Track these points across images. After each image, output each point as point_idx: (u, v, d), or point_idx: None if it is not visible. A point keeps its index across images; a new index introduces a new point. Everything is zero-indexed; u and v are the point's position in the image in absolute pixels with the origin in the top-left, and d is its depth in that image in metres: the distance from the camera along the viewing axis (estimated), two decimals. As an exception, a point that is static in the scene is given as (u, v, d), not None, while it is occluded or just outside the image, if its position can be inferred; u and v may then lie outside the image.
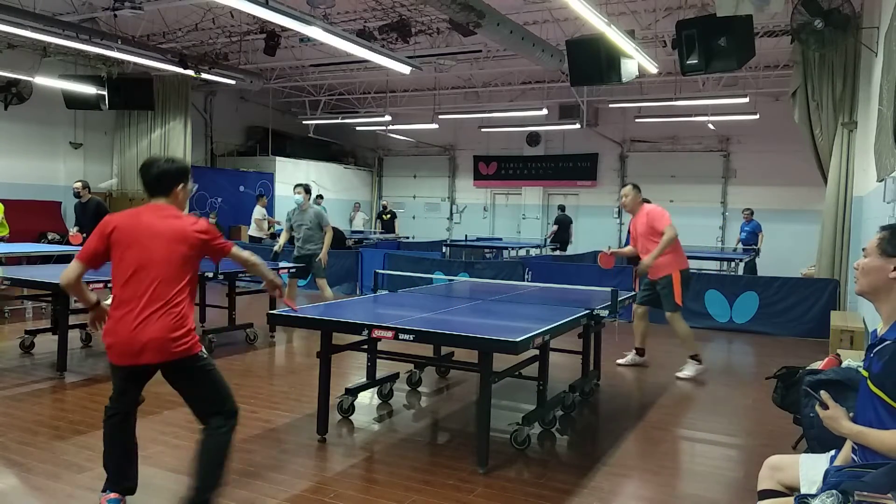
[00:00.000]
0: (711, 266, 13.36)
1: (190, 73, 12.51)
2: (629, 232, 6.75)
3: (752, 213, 14.40)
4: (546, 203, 19.61)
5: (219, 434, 3.05)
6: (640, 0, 10.18)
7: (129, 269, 3.04)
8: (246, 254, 3.44)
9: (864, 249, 2.30)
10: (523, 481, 3.80)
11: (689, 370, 6.38)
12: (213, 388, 3.14)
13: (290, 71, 16.00)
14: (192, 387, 3.16)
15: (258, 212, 14.67)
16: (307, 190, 8.20)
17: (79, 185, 9.57)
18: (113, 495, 3.09)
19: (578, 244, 17.29)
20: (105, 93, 12.91)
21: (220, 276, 7.08)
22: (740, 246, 14.26)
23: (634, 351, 6.88)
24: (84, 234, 9.38)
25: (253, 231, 14.69)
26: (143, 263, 3.02)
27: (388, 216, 18.29)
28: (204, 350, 3.17)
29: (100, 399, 5.08)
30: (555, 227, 16.57)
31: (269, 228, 14.72)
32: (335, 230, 9.66)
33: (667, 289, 6.30)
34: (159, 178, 3.16)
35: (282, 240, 8.55)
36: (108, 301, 10.17)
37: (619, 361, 6.81)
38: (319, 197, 18.33)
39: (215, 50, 13.49)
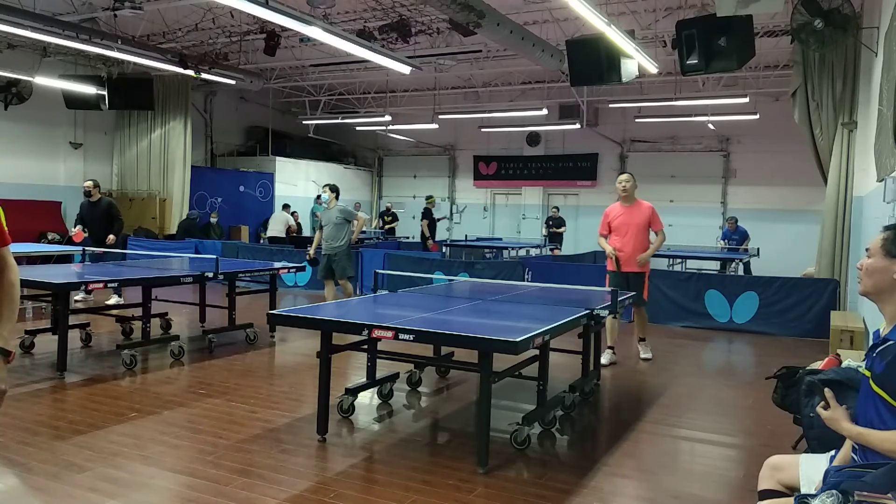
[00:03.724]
0: (712, 266, 13.35)
1: (190, 73, 12.51)
2: (608, 224, 6.88)
3: (736, 221, 14.44)
4: (546, 203, 19.62)
5: None
6: (640, 0, 10.19)
7: None
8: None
9: (867, 249, 2.29)
10: (523, 481, 3.80)
11: (646, 352, 7.03)
12: None
13: (290, 71, 16.00)
14: None
15: (284, 217, 15.67)
16: (332, 189, 8.46)
17: (89, 183, 9.41)
18: None
19: (579, 244, 17.29)
20: (105, 93, 12.92)
21: (221, 276, 7.09)
22: (722, 244, 14.37)
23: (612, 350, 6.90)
24: (86, 234, 9.39)
25: (277, 231, 15.47)
26: None
27: (390, 218, 18.29)
28: None
29: (100, 399, 5.09)
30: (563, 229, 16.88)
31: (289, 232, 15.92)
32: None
33: (641, 284, 6.73)
34: None
35: (315, 242, 8.60)
36: (113, 300, 10.21)
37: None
38: (320, 197, 18.39)
39: (215, 50, 13.49)
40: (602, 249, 6.96)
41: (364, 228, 18.51)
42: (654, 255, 10.25)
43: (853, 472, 2.01)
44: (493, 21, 9.15)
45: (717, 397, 5.90)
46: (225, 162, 18.68)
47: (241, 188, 17.92)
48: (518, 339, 3.56)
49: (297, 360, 6.86)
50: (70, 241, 10.60)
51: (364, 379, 5.19)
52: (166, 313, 7.82)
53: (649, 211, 6.77)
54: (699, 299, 9.25)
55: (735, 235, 14.30)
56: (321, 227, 8.41)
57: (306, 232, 17.48)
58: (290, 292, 11.76)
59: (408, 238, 17.67)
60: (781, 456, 2.62)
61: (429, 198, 15.22)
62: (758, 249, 13.62)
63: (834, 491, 1.95)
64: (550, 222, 16.88)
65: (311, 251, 8.58)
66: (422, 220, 13.95)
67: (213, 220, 15.87)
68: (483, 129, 17.84)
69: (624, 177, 6.89)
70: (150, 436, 4.29)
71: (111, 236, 9.18)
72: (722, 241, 14.45)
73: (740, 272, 12.92)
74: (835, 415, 2.19)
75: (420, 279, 8.51)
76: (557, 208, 17.50)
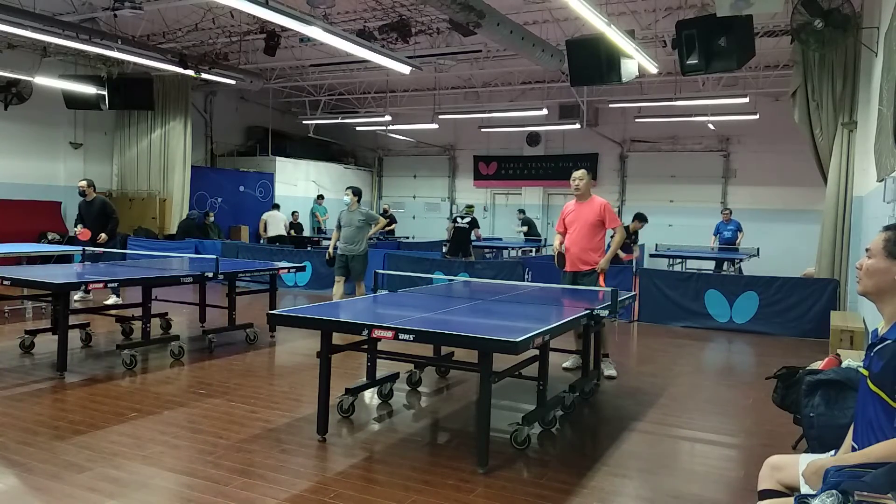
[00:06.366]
0: (711, 266, 13.34)
1: (190, 73, 12.51)
2: (563, 220, 6.39)
3: (731, 213, 14.40)
4: (546, 203, 19.64)
5: None
6: (640, 0, 10.19)
7: None
8: None
9: (867, 249, 2.29)
10: (523, 481, 3.80)
11: (610, 369, 6.28)
12: None
13: (290, 71, 16.00)
14: None
15: (282, 217, 15.92)
16: (355, 192, 8.43)
17: (84, 183, 9.39)
18: None
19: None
20: (105, 93, 12.93)
21: (221, 276, 7.09)
22: (716, 245, 14.26)
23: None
24: (87, 231, 9.38)
25: (279, 230, 15.60)
26: None
27: (387, 220, 18.30)
28: None
29: (100, 399, 5.09)
30: (525, 228, 16.89)
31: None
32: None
33: (595, 284, 6.03)
34: None
35: (333, 241, 8.61)
36: (111, 300, 10.24)
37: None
38: (320, 197, 18.42)
39: (215, 50, 13.49)
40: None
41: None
42: (655, 255, 9.75)
43: (853, 472, 2.01)
44: (493, 21, 9.15)
45: (717, 397, 5.90)
46: (225, 162, 18.68)
47: (241, 188, 17.92)
48: (518, 339, 3.56)
49: (297, 360, 6.85)
50: (72, 241, 10.60)
51: (364, 379, 5.19)
52: (166, 313, 7.82)
53: (600, 207, 6.16)
54: (699, 299, 9.25)
55: (730, 226, 14.25)
56: (339, 228, 8.38)
57: (306, 231, 17.50)
58: (290, 292, 11.76)
59: (408, 238, 17.68)
60: (781, 456, 2.62)
61: (469, 206, 15.17)
62: (758, 249, 13.62)
63: (834, 491, 1.94)
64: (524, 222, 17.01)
65: (331, 250, 8.56)
66: (477, 227, 13.92)
67: (210, 219, 15.86)
68: (483, 129, 17.84)
69: (577, 174, 6.27)
70: (150, 436, 4.29)
71: (102, 234, 9.20)
72: (713, 237, 14.35)
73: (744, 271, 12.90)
74: (815, 468, 2.19)
75: (420, 279, 8.51)
76: (524, 210, 17.67)
